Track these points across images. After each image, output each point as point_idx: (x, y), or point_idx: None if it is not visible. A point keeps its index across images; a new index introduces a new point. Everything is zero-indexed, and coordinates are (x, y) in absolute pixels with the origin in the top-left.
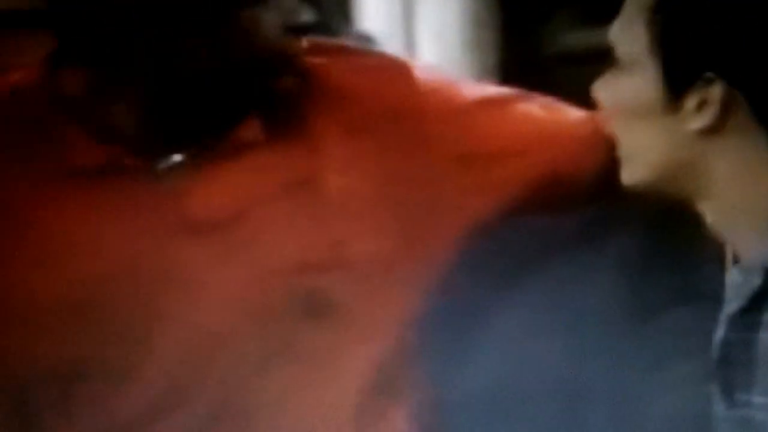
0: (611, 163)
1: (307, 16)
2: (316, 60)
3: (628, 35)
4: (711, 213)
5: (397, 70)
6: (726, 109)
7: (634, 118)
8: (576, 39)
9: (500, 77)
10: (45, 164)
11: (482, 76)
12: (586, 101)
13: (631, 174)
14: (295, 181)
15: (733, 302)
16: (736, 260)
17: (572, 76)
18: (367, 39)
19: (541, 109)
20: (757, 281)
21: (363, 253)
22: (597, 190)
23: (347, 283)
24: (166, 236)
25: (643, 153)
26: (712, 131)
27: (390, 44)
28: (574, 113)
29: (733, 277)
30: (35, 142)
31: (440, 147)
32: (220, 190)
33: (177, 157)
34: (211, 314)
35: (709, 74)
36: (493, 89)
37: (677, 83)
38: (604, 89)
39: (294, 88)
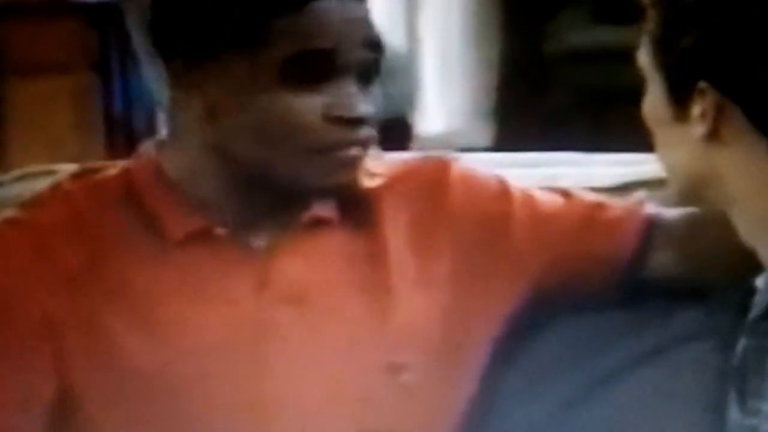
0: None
1: (365, 107)
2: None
3: (642, 51)
4: (738, 222)
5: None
6: (720, 117)
7: (658, 129)
8: (581, 38)
9: (502, 73)
10: (143, 236)
11: (484, 71)
12: (588, 101)
13: (670, 188)
14: (368, 257)
15: (754, 310)
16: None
17: (576, 75)
18: None
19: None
20: None
21: (432, 329)
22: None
23: (422, 361)
24: (254, 308)
25: (671, 164)
26: (714, 139)
27: (392, 38)
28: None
29: (759, 285)
30: (136, 217)
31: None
32: (304, 264)
33: (267, 233)
34: (308, 385)
35: (703, 84)
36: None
37: (677, 94)
38: (643, 106)
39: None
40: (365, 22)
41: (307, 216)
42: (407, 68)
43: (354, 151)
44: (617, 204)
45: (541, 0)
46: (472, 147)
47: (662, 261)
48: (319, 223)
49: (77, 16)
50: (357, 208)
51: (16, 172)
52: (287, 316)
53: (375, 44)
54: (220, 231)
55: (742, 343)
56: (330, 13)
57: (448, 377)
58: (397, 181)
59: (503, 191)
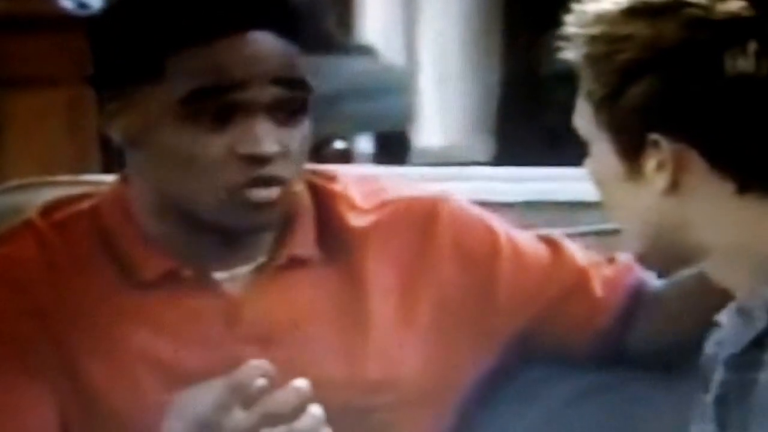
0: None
1: (274, 145)
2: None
3: (581, 114)
4: (711, 269)
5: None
6: (680, 166)
7: (609, 191)
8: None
9: (500, 89)
10: (113, 276)
11: (482, 86)
12: None
13: (628, 246)
14: (346, 298)
15: (733, 343)
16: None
17: (575, 92)
18: (367, 50)
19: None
20: (761, 323)
21: (409, 374)
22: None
23: (396, 404)
24: (223, 348)
25: (630, 223)
26: (676, 190)
27: (390, 54)
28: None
29: (733, 319)
30: (106, 256)
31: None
32: (275, 304)
33: (238, 271)
34: None
35: (654, 136)
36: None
37: (628, 151)
38: (587, 168)
39: (344, 211)
40: (277, 59)
41: (283, 256)
42: (405, 83)
43: (264, 192)
44: (605, 267)
45: (539, 16)
46: (470, 161)
47: (643, 333)
48: (297, 263)
49: (70, 28)
50: (341, 248)
51: (11, 183)
52: (254, 356)
53: (288, 81)
54: (187, 272)
55: (719, 377)
56: (232, 50)
57: (424, 416)
58: (386, 220)
59: (493, 241)
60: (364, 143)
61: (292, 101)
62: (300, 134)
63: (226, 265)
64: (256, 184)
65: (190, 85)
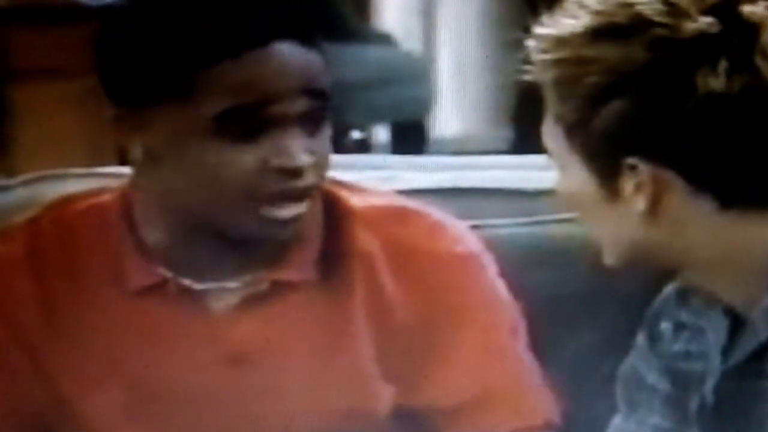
0: None
1: (306, 157)
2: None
3: (551, 137)
4: (693, 277)
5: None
6: (659, 188)
7: (586, 210)
8: None
9: (518, 77)
10: (102, 281)
11: (500, 75)
12: None
13: (607, 257)
14: (333, 325)
15: (723, 350)
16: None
17: None
18: (385, 38)
19: None
20: (765, 333)
21: (383, 409)
22: None
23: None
24: (197, 366)
25: (607, 239)
26: (655, 210)
27: (408, 41)
28: None
29: (719, 323)
30: (101, 259)
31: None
32: (257, 325)
33: (228, 285)
34: None
35: (631, 160)
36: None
37: (604, 174)
38: (558, 188)
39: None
40: (304, 69)
41: (275, 278)
42: (423, 71)
43: (294, 210)
44: None
45: (559, 3)
46: (487, 151)
47: None
48: (289, 286)
49: (83, 20)
50: (341, 270)
51: (24, 177)
52: (228, 377)
53: (316, 92)
54: (177, 286)
55: (710, 384)
56: (260, 65)
57: None
58: (391, 245)
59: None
60: (382, 133)
61: (318, 110)
62: (325, 142)
63: (216, 278)
64: (287, 199)
65: (224, 103)
